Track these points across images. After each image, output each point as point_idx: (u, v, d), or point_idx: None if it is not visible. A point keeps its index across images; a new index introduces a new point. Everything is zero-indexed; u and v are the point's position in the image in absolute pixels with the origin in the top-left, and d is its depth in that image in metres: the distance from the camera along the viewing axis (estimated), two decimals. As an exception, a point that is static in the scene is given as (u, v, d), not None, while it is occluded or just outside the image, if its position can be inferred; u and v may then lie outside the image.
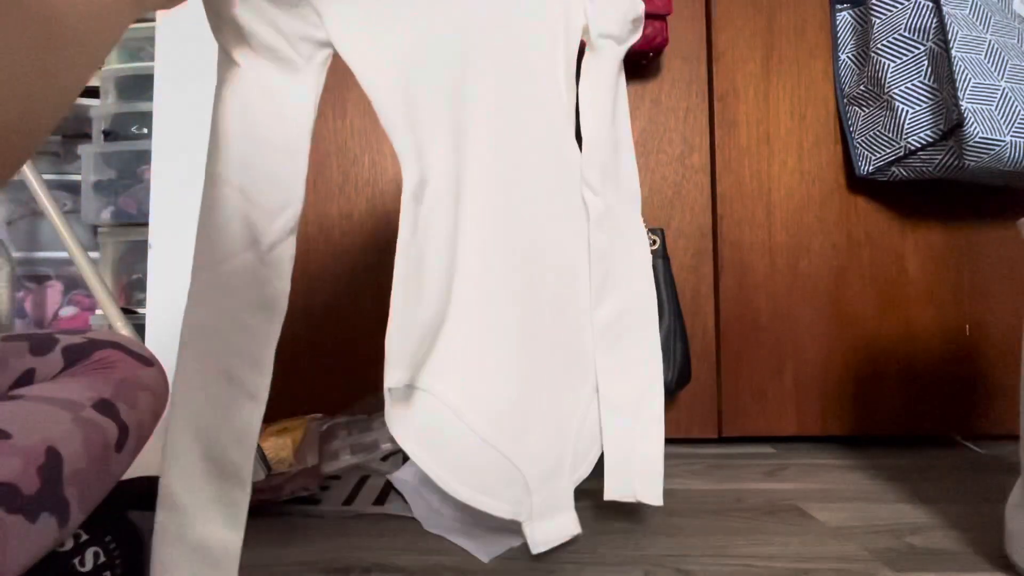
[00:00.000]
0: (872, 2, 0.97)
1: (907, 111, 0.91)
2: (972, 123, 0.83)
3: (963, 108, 0.83)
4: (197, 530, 0.43)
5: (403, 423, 0.51)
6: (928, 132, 0.90)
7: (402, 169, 0.50)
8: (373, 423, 0.89)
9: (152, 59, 1.04)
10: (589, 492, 0.59)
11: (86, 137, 1.28)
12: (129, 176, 1.24)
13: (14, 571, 0.33)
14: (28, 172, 0.99)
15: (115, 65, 1.23)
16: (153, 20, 1.05)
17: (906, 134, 0.92)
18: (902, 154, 0.93)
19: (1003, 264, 1.02)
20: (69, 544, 0.43)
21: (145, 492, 0.52)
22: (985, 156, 0.84)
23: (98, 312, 1.07)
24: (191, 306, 0.46)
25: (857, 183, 1.02)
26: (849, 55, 1.03)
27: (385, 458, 0.83)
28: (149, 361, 0.48)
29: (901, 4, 0.94)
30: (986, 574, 0.54)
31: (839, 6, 1.03)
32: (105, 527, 0.46)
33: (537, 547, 0.53)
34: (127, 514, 0.49)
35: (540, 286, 0.55)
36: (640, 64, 1.02)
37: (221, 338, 0.45)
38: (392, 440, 0.85)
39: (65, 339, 0.45)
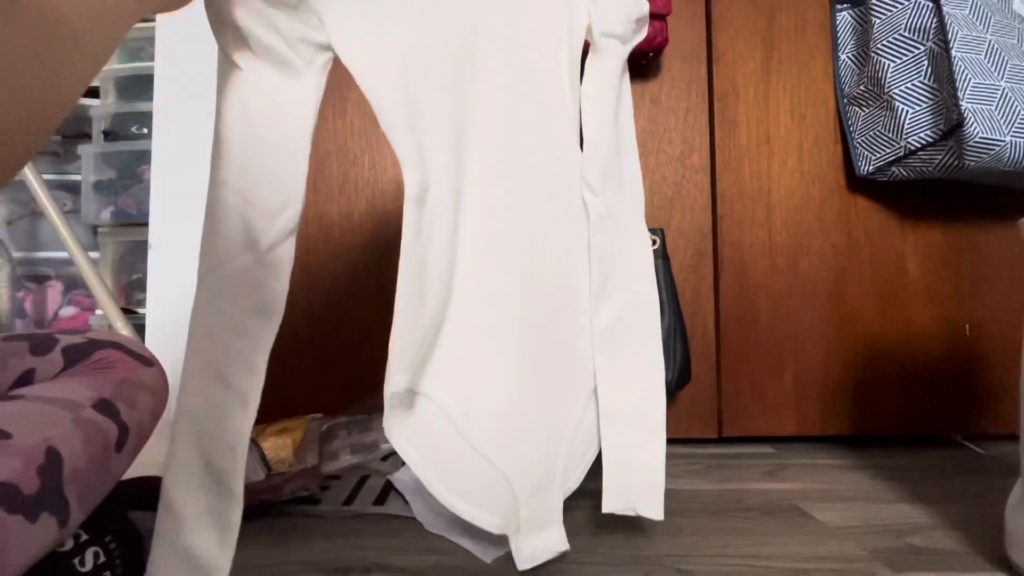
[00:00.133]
0: (872, 2, 0.97)
1: (907, 111, 0.91)
2: (972, 123, 0.83)
3: (963, 108, 0.83)
4: (190, 539, 0.43)
5: (401, 428, 0.51)
6: (928, 132, 0.90)
7: (403, 173, 0.49)
8: (373, 423, 0.89)
9: (152, 59, 1.04)
10: (589, 492, 0.59)
11: (86, 137, 1.28)
12: (129, 176, 1.24)
13: (14, 571, 0.33)
14: (28, 172, 0.99)
15: (115, 65, 1.24)
16: (153, 20, 1.05)
17: (906, 134, 0.92)
18: (902, 154, 0.93)
19: (1003, 264, 1.02)
20: (69, 544, 0.43)
21: (145, 492, 0.52)
22: (985, 156, 0.84)
23: (98, 312, 1.07)
24: (195, 310, 0.46)
25: (857, 183, 1.02)
26: (849, 55, 1.03)
27: (385, 458, 0.83)
28: (149, 361, 0.48)
29: (901, 4, 0.94)
30: (986, 574, 0.54)
31: (839, 6, 1.03)
32: (105, 527, 0.46)
33: (523, 563, 0.52)
34: (127, 514, 0.49)
35: (540, 289, 0.55)
36: (640, 64, 1.02)
37: (220, 341, 0.45)
38: (392, 440, 0.86)
39: (65, 339, 0.45)
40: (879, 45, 0.95)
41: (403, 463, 0.79)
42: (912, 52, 0.92)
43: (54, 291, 1.34)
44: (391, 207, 1.03)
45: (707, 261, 1.03)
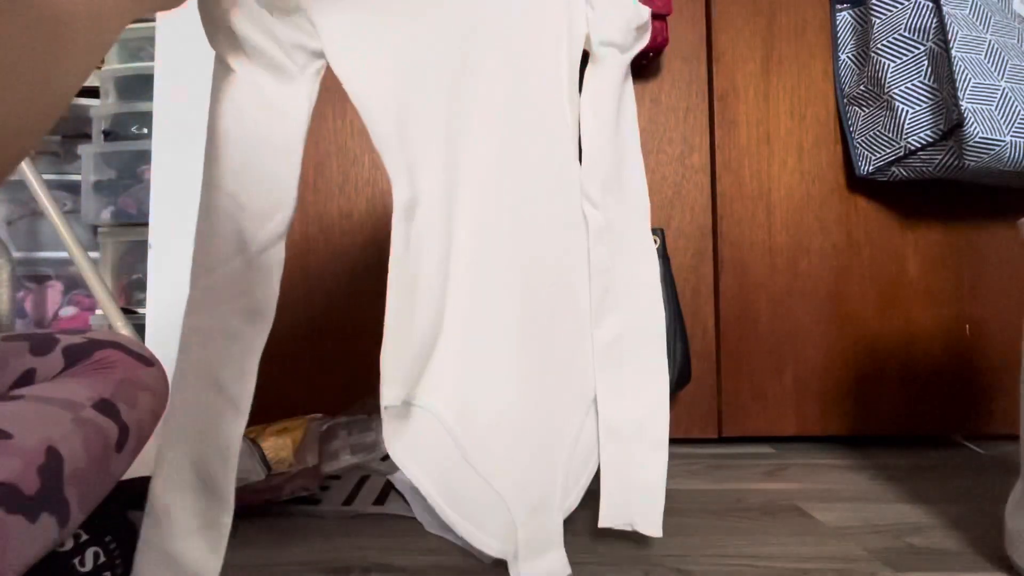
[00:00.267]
0: (872, 2, 0.97)
1: (907, 111, 0.91)
2: (972, 123, 0.83)
3: (963, 108, 0.83)
4: (178, 544, 0.43)
5: (400, 441, 0.51)
6: (928, 132, 0.90)
7: (393, 188, 0.49)
8: (373, 423, 0.89)
9: (152, 59, 1.04)
10: (589, 493, 0.59)
11: (86, 137, 1.28)
12: (129, 176, 1.24)
13: (14, 571, 0.33)
14: (28, 172, 0.99)
15: (115, 65, 1.24)
16: (153, 20, 1.05)
17: (906, 134, 0.92)
18: (902, 154, 0.93)
19: (1003, 264, 1.02)
20: (69, 544, 0.43)
21: (145, 492, 0.52)
22: (985, 156, 0.84)
23: (98, 312, 1.07)
24: (188, 312, 0.46)
25: (857, 183, 1.02)
26: (849, 55, 1.03)
27: (385, 458, 0.83)
28: (149, 361, 0.48)
29: (901, 4, 0.94)
30: (986, 574, 0.54)
31: (839, 6, 1.03)
32: (105, 527, 0.46)
33: None
34: (127, 514, 0.49)
35: (538, 301, 0.54)
36: (640, 64, 1.02)
37: (213, 345, 0.45)
38: (392, 440, 0.86)
39: (65, 339, 0.45)
40: (879, 45, 0.95)
41: (403, 463, 0.79)
42: (912, 52, 0.92)
43: (54, 291, 1.34)
44: (391, 207, 1.03)
45: (707, 261, 1.03)
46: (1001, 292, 1.01)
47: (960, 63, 0.85)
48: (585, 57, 0.58)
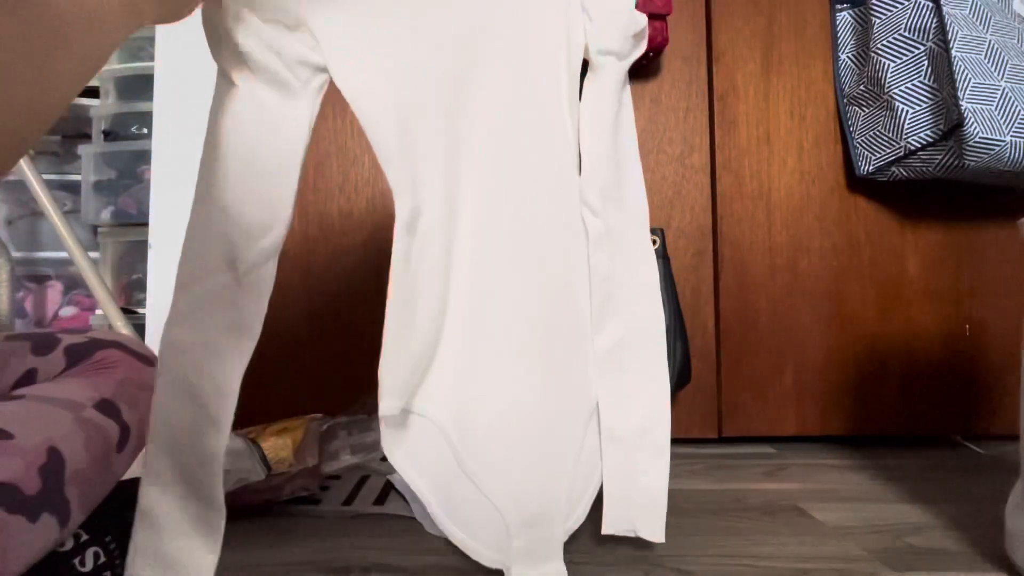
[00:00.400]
0: (872, 2, 0.97)
1: (907, 111, 0.92)
2: (972, 123, 0.83)
3: (963, 108, 0.83)
4: (171, 545, 0.43)
5: (399, 448, 0.51)
6: (928, 132, 0.90)
7: (395, 201, 0.49)
8: (373, 423, 0.89)
9: (152, 59, 1.04)
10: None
11: (86, 137, 1.28)
12: (129, 176, 1.24)
13: (15, 571, 0.33)
14: (28, 172, 0.99)
15: (115, 65, 1.24)
16: (153, 20, 1.05)
17: (906, 134, 0.92)
18: (902, 154, 0.93)
19: (1003, 264, 1.02)
20: (69, 544, 0.43)
21: (145, 492, 0.52)
22: (985, 156, 0.84)
23: (98, 312, 1.07)
24: (169, 323, 0.45)
25: (857, 183, 1.02)
26: (849, 55, 1.03)
27: (385, 458, 0.83)
28: (151, 360, 0.48)
29: (901, 4, 0.94)
30: (986, 574, 0.54)
31: (839, 6, 1.03)
32: (105, 527, 0.46)
33: None
34: (127, 514, 0.49)
35: (538, 310, 0.53)
36: (640, 64, 1.02)
37: (193, 360, 0.44)
38: (392, 440, 0.86)
39: (67, 339, 0.45)
40: (879, 45, 0.95)
41: (403, 463, 0.79)
42: (912, 52, 0.92)
43: (54, 291, 1.34)
44: (391, 207, 1.02)
45: (707, 261, 1.03)
46: (1001, 292, 1.01)
47: (960, 63, 0.85)
48: (584, 65, 0.58)
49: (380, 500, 0.71)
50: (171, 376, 0.44)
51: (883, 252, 1.02)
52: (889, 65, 0.94)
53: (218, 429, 0.44)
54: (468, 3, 0.52)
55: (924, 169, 0.93)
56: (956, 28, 0.87)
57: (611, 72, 0.57)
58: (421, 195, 0.50)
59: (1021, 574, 0.53)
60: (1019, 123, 0.84)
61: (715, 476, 0.84)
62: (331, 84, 0.49)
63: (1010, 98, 0.85)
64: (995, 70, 0.86)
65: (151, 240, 1.01)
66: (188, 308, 0.45)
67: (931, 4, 0.91)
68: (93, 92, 1.25)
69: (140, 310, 1.10)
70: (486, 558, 0.50)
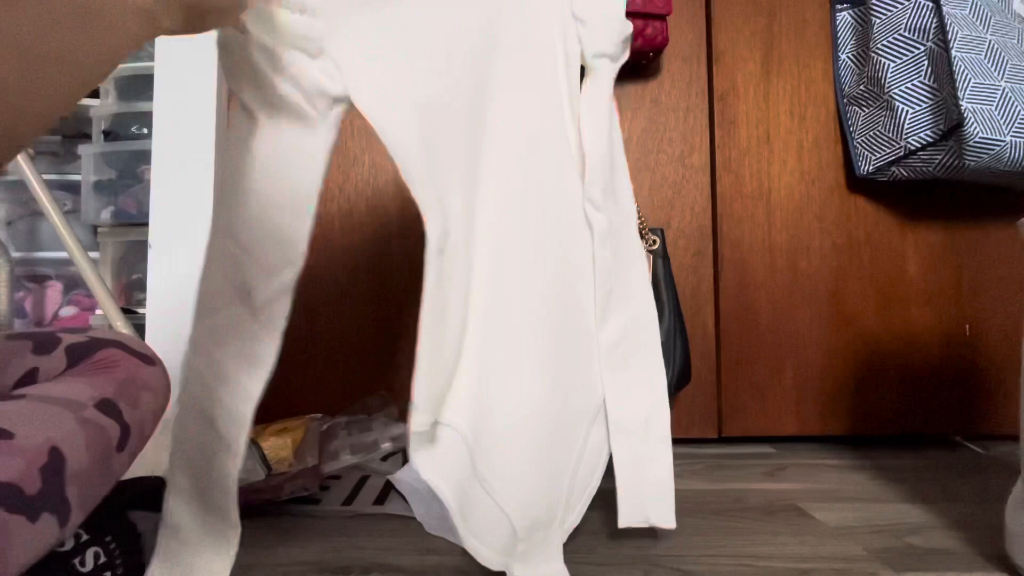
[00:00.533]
0: (872, 2, 0.97)
1: (907, 111, 0.92)
2: (972, 123, 0.83)
3: (963, 108, 0.83)
4: (192, 559, 0.46)
5: (428, 460, 0.51)
6: (928, 132, 0.90)
7: (426, 224, 0.49)
8: (373, 423, 0.89)
9: (152, 59, 1.04)
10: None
11: (86, 137, 1.28)
12: (129, 176, 1.24)
13: (15, 571, 0.33)
14: (28, 172, 0.99)
15: (115, 65, 1.23)
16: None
17: (906, 134, 0.92)
18: (902, 154, 0.93)
19: (1003, 264, 1.02)
20: (69, 544, 0.43)
21: (145, 492, 0.52)
22: (985, 156, 0.84)
23: (98, 312, 1.07)
24: (189, 351, 0.47)
25: (857, 183, 1.02)
26: (849, 55, 1.03)
27: (385, 458, 0.83)
28: (151, 360, 0.48)
29: (901, 4, 0.94)
30: (986, 574, 0.54)
31: (839, 6, 1.03)
32: (105, 527, 0.46)
33: None
34: (128, 514, 0.49)
35: (550, 310, 0.54)
36: (640, 64, 1.02)
37: (208, 387, 0.46)
38: (392, 440, 0.86)
39: (68, 338, 0.45)
40: (879, 45, 0.95)
41: (403, 463, 0.79)
42: (912, 52, 0.92)
43: (54, 291, 1.34)
44: (391, 207, 1.03)
45: (707, 261, 1.03)
46: (1001, 292, 1.01)
47: (960, 63, 0.85)
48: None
49: (380, 500, 0.71)
50: (190, 401, 0.46)
51: (883, 252, 1.02)
52: (889, 65, 0.94)
53: (232, 454, 0.46)
54: (475, 20, 0.53)
55: (924, 169, 0.93)
56: (956, 28, 0.87)
57: (605, 73, 0.59)
58: (448, 213, 0.50)
59: (1021, 574, 0.53)
60: (1019, 123, 0.84)
61: (715, 476, 0.84)
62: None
63: (1010, 98, 0.85)
64: (995, 70, 0.87)
65: (151, 240, 1.01)
66: (204, 338, 0.47)
67: (931, 4, 0.91)
68: (93, 92, 1.25)
69: (140, 310, 1.10)
70: (493, 562, 0.51)
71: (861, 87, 0.99)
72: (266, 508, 0.68)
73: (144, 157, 1.17)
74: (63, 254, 1.12)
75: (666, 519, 0.58)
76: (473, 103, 0.53)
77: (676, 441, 0.99)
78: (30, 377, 0.42)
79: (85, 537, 0.44)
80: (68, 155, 1.35)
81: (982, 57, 0.87)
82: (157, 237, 1.01)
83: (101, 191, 1.24)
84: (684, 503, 0.72)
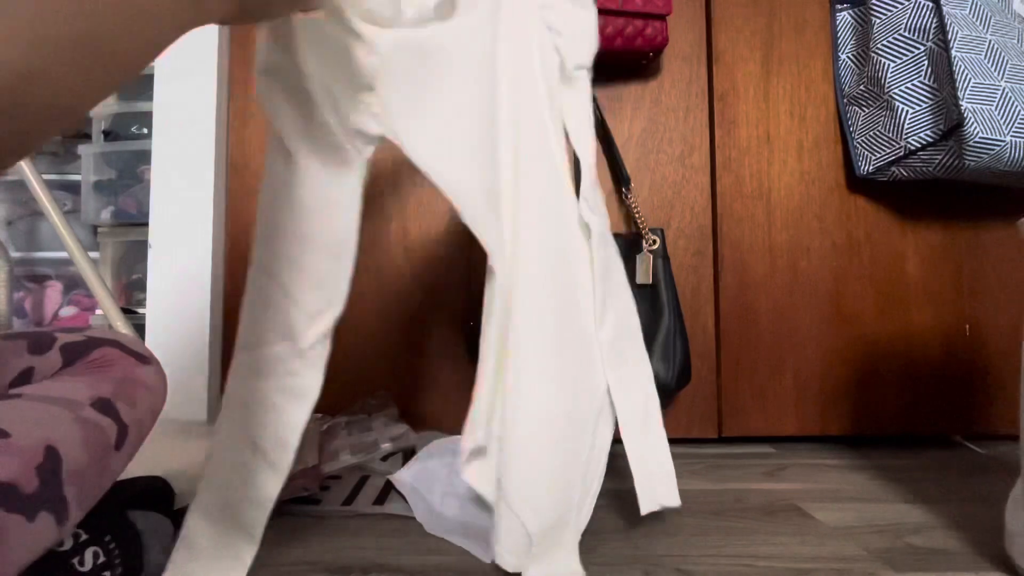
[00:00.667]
0: (872, 2, 0.97)
1: (907, 111, 0.91)
2: (972, 123, 0.83)
3: (963, 108, 0.83)
4: (199, 569, 0.47)
5: (477, 471, 0.53)
6: (928, 132, 0.90)
7: (493, 263, 0.50)
8: (373, 423, 0.89)
9: (152, 59, 1.04)
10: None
11: (86, 137, 1.28)
12: (129, 176, 1.24)
13: (13, 570, 0.33)
14: (28, 172, 0.99)
15: (115, 65, 1.23)
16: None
17: (906, 134, 0.92)
18: (902, 154, 0.93)
19: (1003, 264, 1.02)
20: (68, 544, 0.43)
21: (144, 491, 0.52)
22: (985, 156, 0.84)
23: (98, 312, 1.07)
24: (231, 380, 0.48)
25: (857, 183, 1.02)
26: (849, 55, 1.03)
27: (385, 458, 0.83)
28: (147, 359, 0.47)
29: (901, 4, 0.94)
30: (986, 574, 0.54)
31: (839, 6, 1.03)
32: (104, 527, 0.46)
33: None
34: (127, 514, 0.49)
35: (553, 321, 0.55)
36: (640, 64, 1.02)
37: (252, 414, 0.47)
38: (392, 440, 0.86)
39: (64, 337, 0.45)
40: (879, 45, 0.95)
41: (403, 463, 0.79)
42: (912, 52, 0.92)
43: (54, 291, 1.34)
44: (392, 209, 1.03)
45: (707, 261, 1.03)
46: (1001, 292, 1.01)
47: (960, 63, 0.85)
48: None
49: (380, 500, 0.71)
50: (231, 426, 0.48)
51: (883, 252, 1.02)
52: (889, 65, 0.94)
53: (277, 474, 0.48)
54: (480, 46, 0.53)
55: (924, 169, 0.93)
56: (956, 28, 0.87)
57: (585, 82, 0.60)
58: (504, 248, 0.51)
59: (1021, 574, 0.53)
60: (1019, 123, 0.84)
61: (715, 476, 0.84)
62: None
63: (1010, 98, 0.85)
64: (995, 70, 0.86)
65: (151, 240, 1.01)
66: (247, 369, 0.48)
67: (931, 4, 0.91)
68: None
69: (140, 310, 1.10)
70: (509, 563, 0.52)
71: (861, 87, 0.99)
72: (265, 508, 0.68)
73: (144, 157, 1.17)
74: (63, 254, 1.12)
75: (673, 497, 0.60)
76: (490, 126, 0.53)
77: (676, 441, 0.99)
78: (25, 376, 0.42)
79: (84, 537, 0.44)
80: (68, 155, 1.35)
81: (982, 57, 0.87)
82: (157, 237, 1.01)
83: (101, 191, 1.24)
84: (684, 503, 0.72)
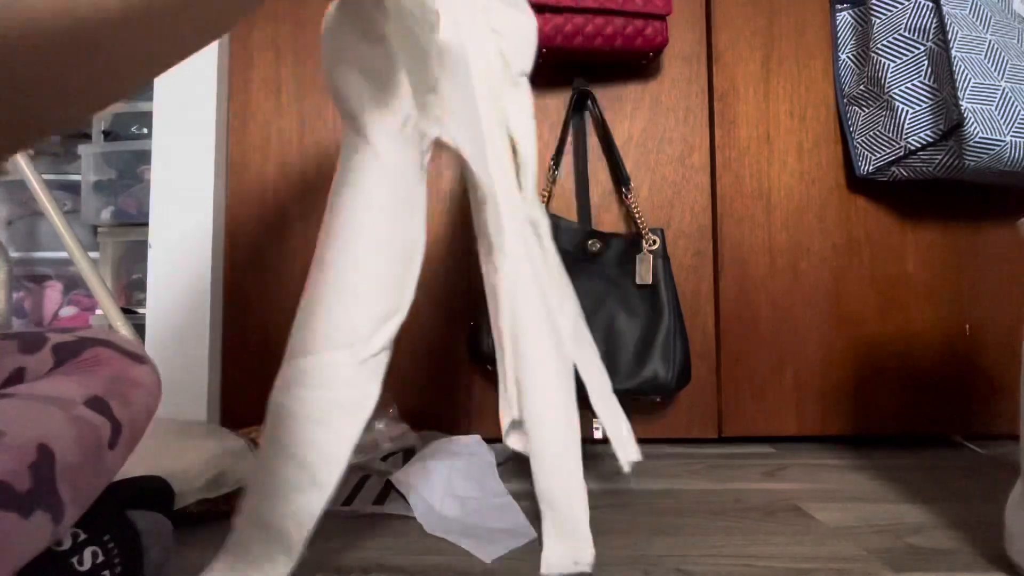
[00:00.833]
0: (872, 2, 0.97)
1: (907, 111, 0.91)
2: (972, 123, 0.83)
3: (963, 108, 0.83)
4: (247, 564, 0.47)
5: (517, 436, 0.53)
6: (928, 132, 0.90)
7: (498, 264, 0.51)
8: (373, 423, 0.89)
9: (152, 59, 1.04)
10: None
11: (86, 137, 1.28)
12: (129, 176, 1.24)
13: (9, 568, 0.33)
14: (28, 172, 0.99)
15: (115, 65, 1.23)
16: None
17: (906, 134, 0.92)
18: (902, 154, 0.93)
19: (1003, 264, 1.02)
20: (67, 543, 0.43)
21: (143, 491, 0.52)
22: (985, 156, 0.84)
23: (98, 312, 1.07)
24: (278, 388, 0.47)
25: (857, 183, 1.02)
26: (849, 55, 1.03)
27: (385, 458, 0.83)
28: (141, 359, 0.47)
29: (901, 4, 0.94)
30: (986, 574, 0.54)
31: (839, 6, 1.03)
32: (103, 526, 0.46)
33: (550, 568, 0.51)
34: (126, 513, 0.49)
35: (542, 312, 0.55)
36: (640, 64, 1.02)
37: (299, 425, 0.46)
38: (392, 440, 0.86)
39: (55, 337, 0.45)
40: (879, 45, 0.95)
41: (403, 463, 0.79)
42: (912, 52, 0.92)
43: (54, 291, 1.34)
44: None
45: (707, 261, 1.03)
46: (1001, 292, 1.01)
47: (960, 63, 0.85)
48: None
49: (380, 500, 0.71)
50: (276, 438, 0.46)
51: (883, 252, 1.02)
52: (889, 65, 0.94)
53: (321, 491, 0.46)
54: (461, 49, 0.53)
55: (924, 169, 0.93)
56: (956, 28, 0.87)
57: (526, 87, 0.60)
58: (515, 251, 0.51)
59: (1021, 574, 0.53)
60: (1019, 123, 0.84)
61: (715, 476, 0.84)
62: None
63: (1010, 98, 0.85)
64: (995, 70, 0.86)
65: (151, 240, 1.01)
66: (296, 378, 0.46)
67: (931, 4, 0.91)
68: (93, 92, 1.24)
69: (140, 310, 1.10)
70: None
71: (861, 87, 0.99)
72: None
73: (144, 157, 1.17)
74: (63, 254, 1.12)
75: (636, 452, 0.58)
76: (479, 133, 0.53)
77: (676, 441, 1.00)
78: (17, 376, 0.42)
79: (83, 536, 0.44)
80: (68, 155, 1.35)
81: (982, 57, 0.87)
82: (157, 237, 1.01)
83: (101, 191, 1.24)
84: (684, 503, 0.72)
